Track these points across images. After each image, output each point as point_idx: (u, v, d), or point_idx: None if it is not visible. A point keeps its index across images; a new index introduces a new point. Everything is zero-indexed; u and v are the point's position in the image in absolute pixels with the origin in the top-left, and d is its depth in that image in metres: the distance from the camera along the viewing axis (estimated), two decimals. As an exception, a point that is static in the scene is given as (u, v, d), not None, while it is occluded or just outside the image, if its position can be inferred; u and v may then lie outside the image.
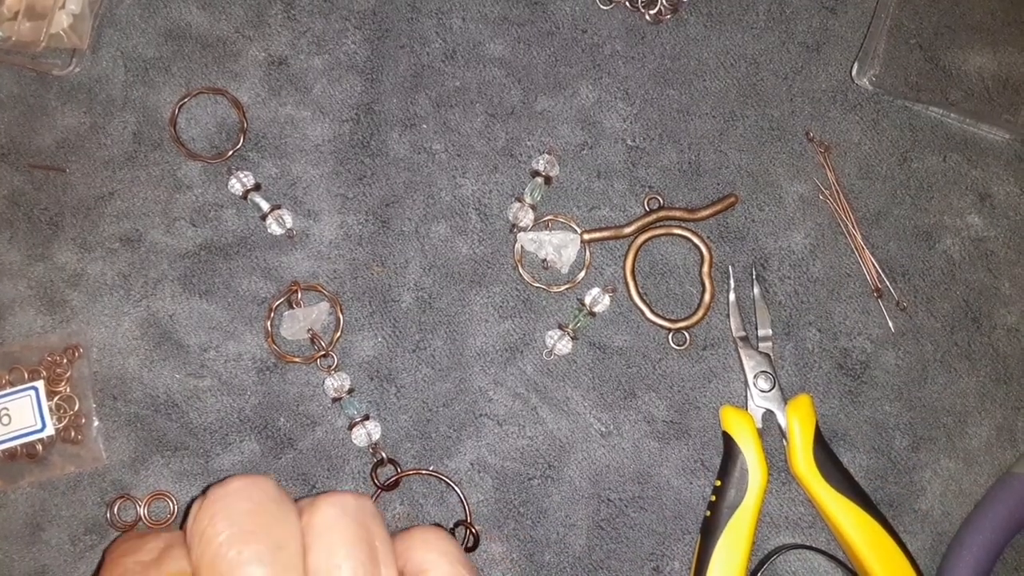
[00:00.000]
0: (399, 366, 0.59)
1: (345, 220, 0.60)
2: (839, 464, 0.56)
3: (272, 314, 0.58)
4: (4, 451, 0.57)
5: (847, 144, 0.61)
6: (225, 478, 0.31)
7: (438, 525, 0.57)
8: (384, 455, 0.57)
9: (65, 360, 0.58)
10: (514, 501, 0.58)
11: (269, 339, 0.58)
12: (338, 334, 0.58)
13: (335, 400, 0.58)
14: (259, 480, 0.31)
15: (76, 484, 0.57)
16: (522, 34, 0.62)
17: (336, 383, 0.58)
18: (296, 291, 0.58)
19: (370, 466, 0.57)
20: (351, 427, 0.57)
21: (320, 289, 0.59)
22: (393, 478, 0.57)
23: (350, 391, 0.58)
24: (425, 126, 0.61)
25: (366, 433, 0.57)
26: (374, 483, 0.57)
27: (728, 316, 0.59)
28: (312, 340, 0.58)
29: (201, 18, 0.61)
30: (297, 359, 0.58)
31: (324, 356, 0.58)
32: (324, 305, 0.59)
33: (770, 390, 0.58)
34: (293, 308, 0.58)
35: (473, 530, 0.57)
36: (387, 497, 0.58)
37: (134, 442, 0.58)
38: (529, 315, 0.59)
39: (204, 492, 0.31)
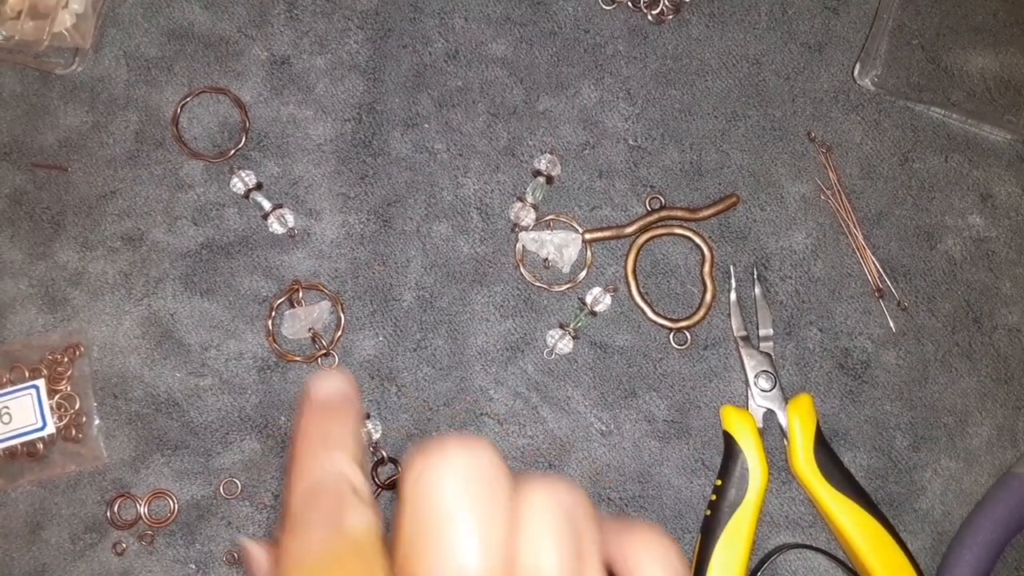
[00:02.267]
0: (400, 365, 0.59)
1: (347, 219, 0.60)
2: (840, 464, 0.56)
3: (273, 313, 0.58)
4: (5, 449, 0.57)
5: (849, 144, 0.61)
6: (446, 437, 0.30)
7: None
8: (384, 454, 0.58)
9: (66, 359, 0.58)
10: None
11: (270, 338, 0.58)
12: (339, 333, 0.58)
13: None
14: (484, 446, 0.30)
15: (76, 483, 0.57)
16: (524, 34, 0.62)
17: None
18: (297, 290, 0.58)
19: (371, 464, 0.57)
20: None
21: (321, 288, 0.59)
22: (393, 476, 0.57)
23: None
24: (427, 126, 0.61)
25: (366, 432, 0.57)
26: (374, 482, 0.57)
27: (729, 316, 0.59)
28: (313, 339, 0.58)
29: (204, 17, 0.61)
30: (298, 358, 0.58)
31: (325, 355, 0.58)
32: (325, 304, 0.59)
33: (771, 390, 0.58)
34: (294, 307, 0.58)
35: None
36: (388, 496, 0.58)
37: (135, 441, 0.58)
38: (530, 314, 0.59)
39: (422, 445, 0.30)
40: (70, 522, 0.57)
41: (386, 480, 0.57)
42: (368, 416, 0.58)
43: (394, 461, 0.57)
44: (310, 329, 0.58)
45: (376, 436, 0.57)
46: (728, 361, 0.59)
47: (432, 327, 0.59)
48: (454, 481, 0.28)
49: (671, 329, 0.59)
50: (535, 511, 0.28)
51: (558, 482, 0.29)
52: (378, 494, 0.57)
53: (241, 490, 0.57)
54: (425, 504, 0.27)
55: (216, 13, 0.61)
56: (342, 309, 0.59)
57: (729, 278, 0.60)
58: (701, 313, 0.59)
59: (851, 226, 0.60)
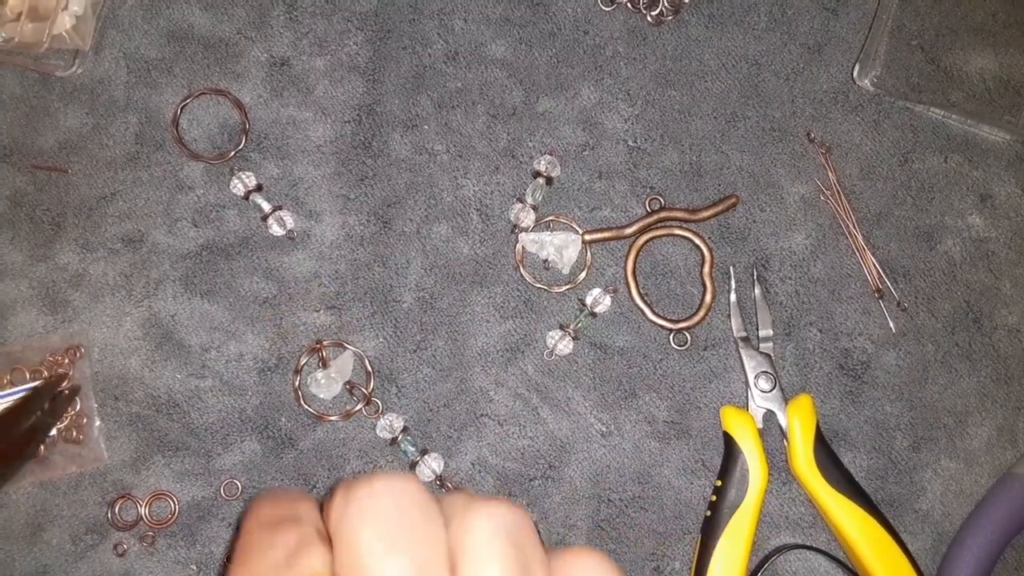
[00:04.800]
0: (400, 366, 0.59)
1: (347, 221, 0.60)
2: (840, 464, 0.56)
3: (299, 380, 0.58)
4: (6, 451, 0.57)
5: (848, 145, 0.61)
6: (368, 475, 0.30)
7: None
8: (451, 486, 0.57)
9: (67, 360, 0.58)
10: (515, 501, 0.58)
11: (301, 401, 0.58)
12: (372, 382, 0.58)
13: (392, 442, 0.57)
14: (406, 482, 0.29)
15: (77, 484, 0.57)
16: (524, 35, 0.62)
17: (388, 423, 0.57)
18: (321, 349, 0.58)
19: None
20: (413, 467, 0.57)
21: (342, 344, 0.58)
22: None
23: (404, 429, 0.58)
24: (427, 127, 0.61)
25: (430, 470, 0.57)
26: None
27: (729, 316, 0.59)
28: (351, 391, 0.58)
29: (203, 19, 0.61)
30: (335, 417, 0.58)
31: (367, 403, 0.58)
32: (348, 352, 0.58)
33: (771, 390, 0.58)
34: (324, 367, 0.58)
35: None
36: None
37: (135, 442, 0.58)
38: (530, 315, 0.59)
39: (344, 483, 0.29)
40: (71, 523, 0.57)
41: None
42: (426, 452, 0.58)
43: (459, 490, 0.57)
44: (347, 383, 0.58)
45: (439, 470, 0.57)
46: (728, 362, 0.59)
47: (432, 328, 0.59)
48: (377, 522, 0.27)
49: (671, 330, 0.59)
50: (477, 537, 0.28)
51: (500, 505, 0.28)
52: None
53: (242, 491, 0.57)
54: (352, 549, 0.27)
55: (216, 15, 0.61)
56: (367, 360, 0.58)
57: (729, 279, 0.60)
58: (701, 314, 0.59)
59: (851, 227, 0.60)
